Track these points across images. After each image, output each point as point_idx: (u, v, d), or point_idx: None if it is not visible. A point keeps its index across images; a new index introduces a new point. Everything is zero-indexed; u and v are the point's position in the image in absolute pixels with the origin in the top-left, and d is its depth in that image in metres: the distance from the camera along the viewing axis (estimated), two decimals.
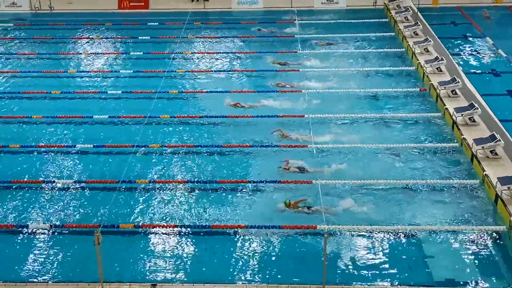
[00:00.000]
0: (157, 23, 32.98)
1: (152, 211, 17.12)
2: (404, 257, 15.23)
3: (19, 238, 16.12)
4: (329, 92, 23.88)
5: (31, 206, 17.41)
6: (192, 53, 28.70)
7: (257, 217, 16.55)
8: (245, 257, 15.28)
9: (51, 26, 32.89)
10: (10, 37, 31.63)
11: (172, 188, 18.12)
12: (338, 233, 15.94)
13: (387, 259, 15.15)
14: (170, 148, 20.27)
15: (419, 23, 29.28)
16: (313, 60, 27.07)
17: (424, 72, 24.72)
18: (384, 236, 15.90)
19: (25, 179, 18.62)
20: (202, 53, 28.78)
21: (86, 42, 30.65)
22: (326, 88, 24.18)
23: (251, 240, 15.82)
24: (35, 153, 20.22)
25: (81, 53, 29.13)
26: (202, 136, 21.05)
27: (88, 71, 26.95)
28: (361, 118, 21.90)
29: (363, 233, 15.99)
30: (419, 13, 30.53)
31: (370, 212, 16.75)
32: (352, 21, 32.24)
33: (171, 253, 15.48)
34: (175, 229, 16.27)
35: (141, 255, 15.42)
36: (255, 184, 18.03)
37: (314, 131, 20.56)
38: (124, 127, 21.85)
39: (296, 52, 27.96)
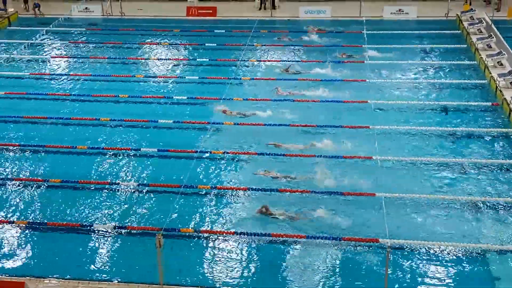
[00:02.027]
0: (224, 31, 33.31)
1: (213, 217, 17.10)
2: (468, 276, 14.61)
3: (83, 237, 16.41)
4: (396, 103, 23.39)
5: (96, 207, 17.73)
6: (257, 60, 28.75)
7: (318, 227, 16.28)
8: (304, 266, 15.02)
9: (121, 32, 33.80)
10: (83, 41, 32.65)
11: (233, 195, 18.06)
12: (401, 248, 15.47)
13: (449, 277, 14.57)
14: (232, 154, 20.26)
15: (492, 35, 28.30)
16: (381, 70, 26.62)
17: (497, 86, 23.81)
18: (448, 253, 15.30)
19: (91, 180, 19.03)
20: (268, 61, 28.79)
21: (154, 48, 31.25)
22: (393, 99, 23.71)
23: (311, 250, 15.55)
24: (101, 155, 20.62)
25: (148, 59, 29.70)
26: (265, 143, 20.91)
27: (155, 76, 27.43)
28: (429, 131, 21.30)
29: (426, 248, 15.45)
30: (493, 25, 29.58)
31: (434, 227, 16.20)
32: (423, 32, 31.55)
33: (230, 259, 15.40)
34: (235, 236, 16.18)
35: (200, 260, 15.41)
36: (317, 194, 17.75)
37: (379, 142, 20.12)
38: (188, 132, 22.03)
39: (363, 62, 27.53)
